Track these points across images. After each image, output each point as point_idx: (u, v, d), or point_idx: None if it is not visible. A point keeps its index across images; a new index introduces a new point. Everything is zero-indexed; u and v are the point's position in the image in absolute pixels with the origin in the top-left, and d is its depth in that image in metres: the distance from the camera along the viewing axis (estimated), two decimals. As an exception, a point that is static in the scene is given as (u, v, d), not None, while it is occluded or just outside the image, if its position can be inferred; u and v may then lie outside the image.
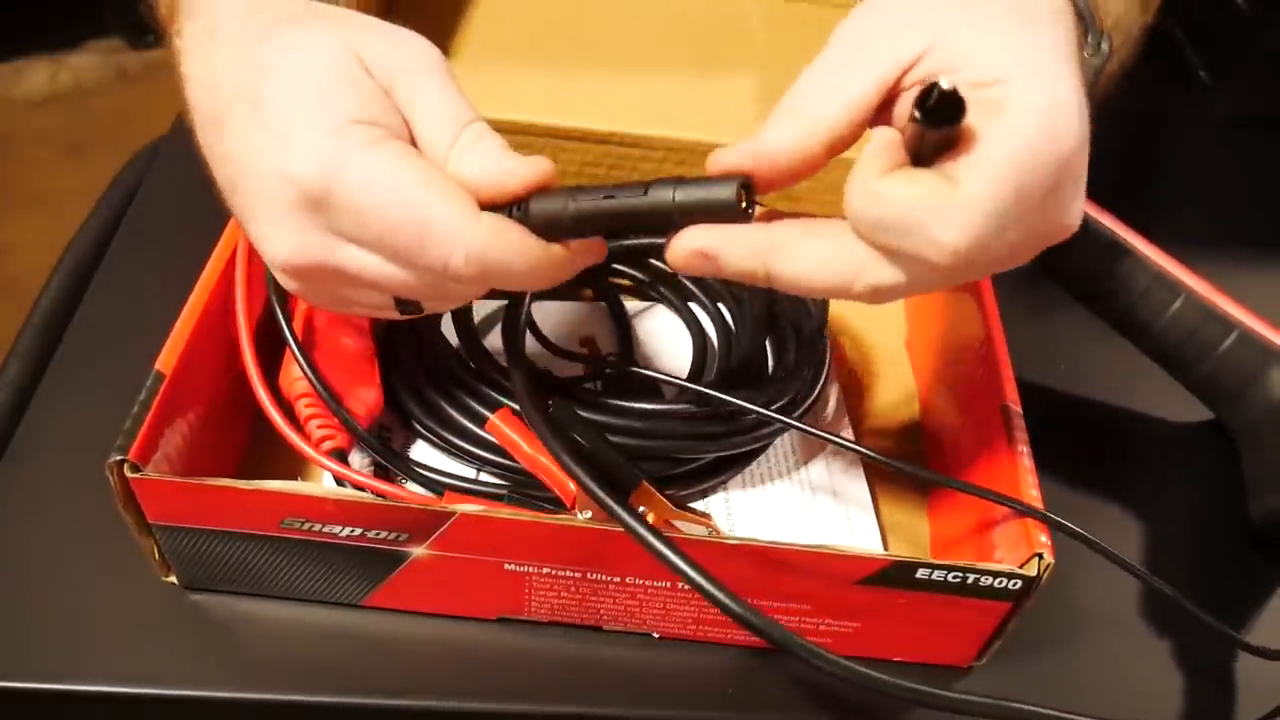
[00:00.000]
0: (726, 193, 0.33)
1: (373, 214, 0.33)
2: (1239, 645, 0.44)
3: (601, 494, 0.38)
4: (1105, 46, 0.44)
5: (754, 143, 0.34)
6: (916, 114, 0.30)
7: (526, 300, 0.49)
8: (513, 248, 0.34)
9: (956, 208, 0.31)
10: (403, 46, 0.36)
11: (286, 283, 0.37)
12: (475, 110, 0.36)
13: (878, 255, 0.33)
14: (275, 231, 0.34)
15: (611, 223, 0.35)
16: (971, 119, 0.31)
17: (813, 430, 0.46)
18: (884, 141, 0.33)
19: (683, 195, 0.34)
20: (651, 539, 0.37)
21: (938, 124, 0.30)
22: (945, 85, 0.29)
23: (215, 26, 0.36)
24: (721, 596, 0.35)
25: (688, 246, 0.34)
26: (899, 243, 0.32)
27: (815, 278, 0.34)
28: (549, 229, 0.35)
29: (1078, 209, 0.34)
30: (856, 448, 0.47)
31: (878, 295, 0.34)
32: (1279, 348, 0.51)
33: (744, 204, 0.34)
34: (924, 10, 0.34)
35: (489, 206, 0.34)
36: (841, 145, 0.34)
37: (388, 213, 0.33)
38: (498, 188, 0.34)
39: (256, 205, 0.34)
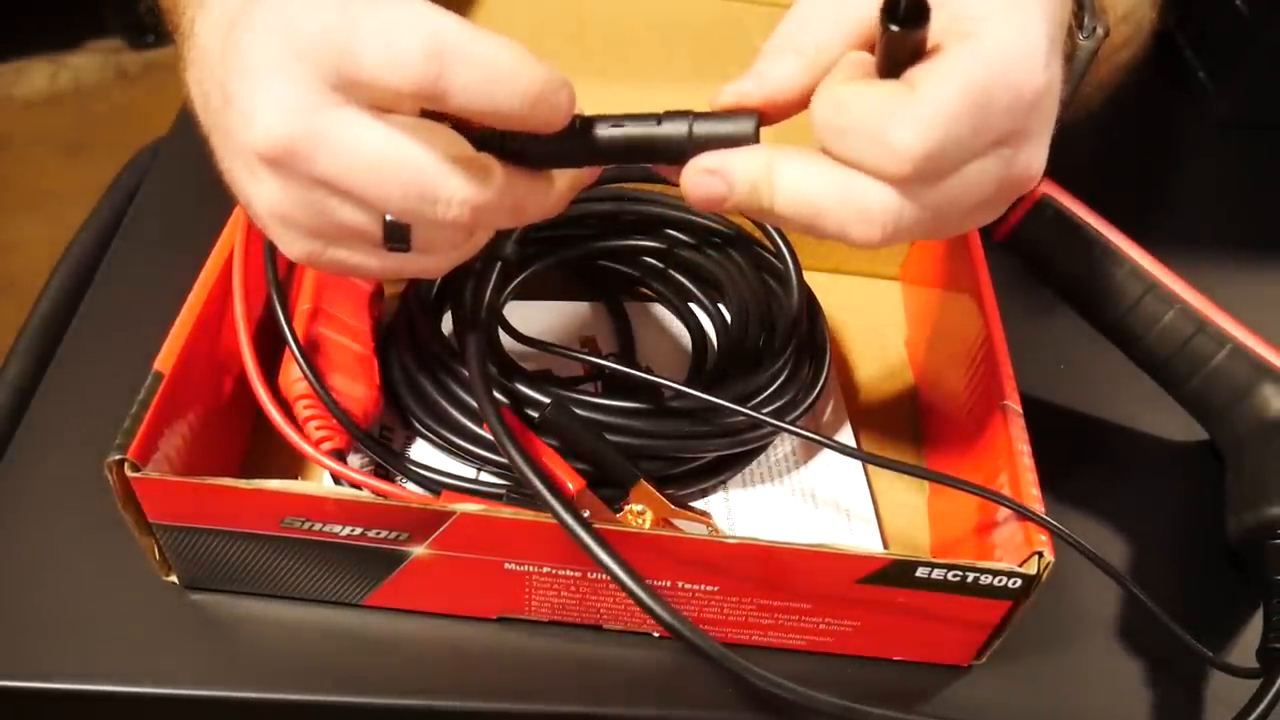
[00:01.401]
0: (746, 128, 0.34)
1: (381, 51, 0.31)
2: (1211, 663, 0.45)
3: (541, 486, 0.38)
4: (1100, 30, 0.44)
5: (759, 79, 0.34)
6: (883, 17, 0.31)
7: (490, 285, 0.49)
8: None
9: (910, 107, 0.31)
10: None
11: (264, 191, 0.34)
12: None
13: (860, 179, 0.33)
14: (258, 103, 0.32)
15: (624, 153, 0.35)
16: (943, 42, 0.32)
17: (808, 434, 0.46)
18: (855, 58, 0.34)
19: (701, 129, 0.34)
20: (575, 526, 0.37)
21: (901, 25, 0.31)
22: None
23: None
24: (636, 586, 0.36)
25: (698, 166, 0.34)
26: (858, 150, 0.32)
27: (805, 195, 0.33)
28: (554, 157, 0.35)
29: (1041, 157, 0.34)
30: (851, 451, 0.47)
31: (866, 219, 0.33)
32: (1270, 364, 0.50)
33: (757, 140, 0.34)
34: None
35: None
36: (817, 76, 0.34)
37: (397, 46, 0.31)
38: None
39: (245, 81, 0.33)
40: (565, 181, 0.36)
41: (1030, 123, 0.33)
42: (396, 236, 0.34)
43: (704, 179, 0.34)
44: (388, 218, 0.34)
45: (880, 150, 0.32)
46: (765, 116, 0.34)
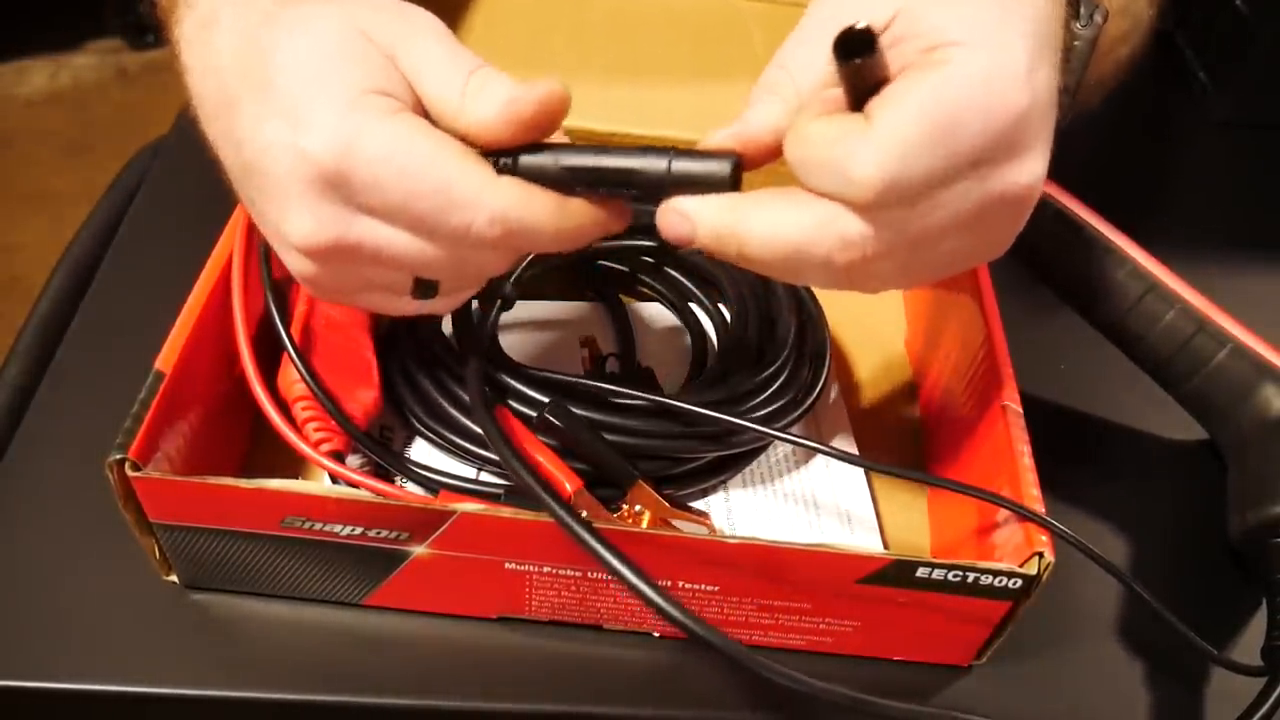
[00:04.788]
0: (723, 169, 0.34)
1: (393, 182, 0.33)
2: (1215, 661, 0.45)
3: (536, 487, 0.38)
4: (1098, 18, 0.44)
5: (742, 125, 0.35)
6: (835, 53, 0.32)
7: (497, 308, 0.51)
8: (537, 204, 0.34)
9: (865, 138, 0.32)
10: (402, 13, 0.36)
11: (303, 267, 0.36)
12: (479, 59, 0.35)
13: (838, 208, 0.33)
14: (293, 212, 0.34)
15: (602, 180, 0.35)
16: (911, 73, 0.32)
17: (804, 441, 0.46)
18: (827, 95, 0.34)
19: (679, 166, 0.35)
20: (578, 528, 0.37)
21: (850, 57, 0.32)
22: (860, 25, 0.31)
23: (215, 13, 0.36)
24: (646, 587, 0.36)
25: (670, 206, 0.35)
26: (822, 182, 0.33)
27: (783, 233, 0.34)
28: (535, 179, 0.35)
29: (1035, 170, 0.34)
30: (849, 458, 0.46)
31: (847, 245, 0.33)
32: (1271, 364, 0.50)
33: (735, 182, 0.34)
34: None
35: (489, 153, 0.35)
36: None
37: (409, 179, 0.33)
38: (511, 117, 0.34)
39: (273, 187, 0.34)
40: (581, 207, 0.36)
41: (1017, 139, 0.33)
42: (424, 291, 0.37)
43: (674, 219, 0.35)
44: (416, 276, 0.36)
45: (842, 181, 0.32)
46: (749, 160, 0.35)
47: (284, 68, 0.34)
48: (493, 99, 0.34)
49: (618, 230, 0.37)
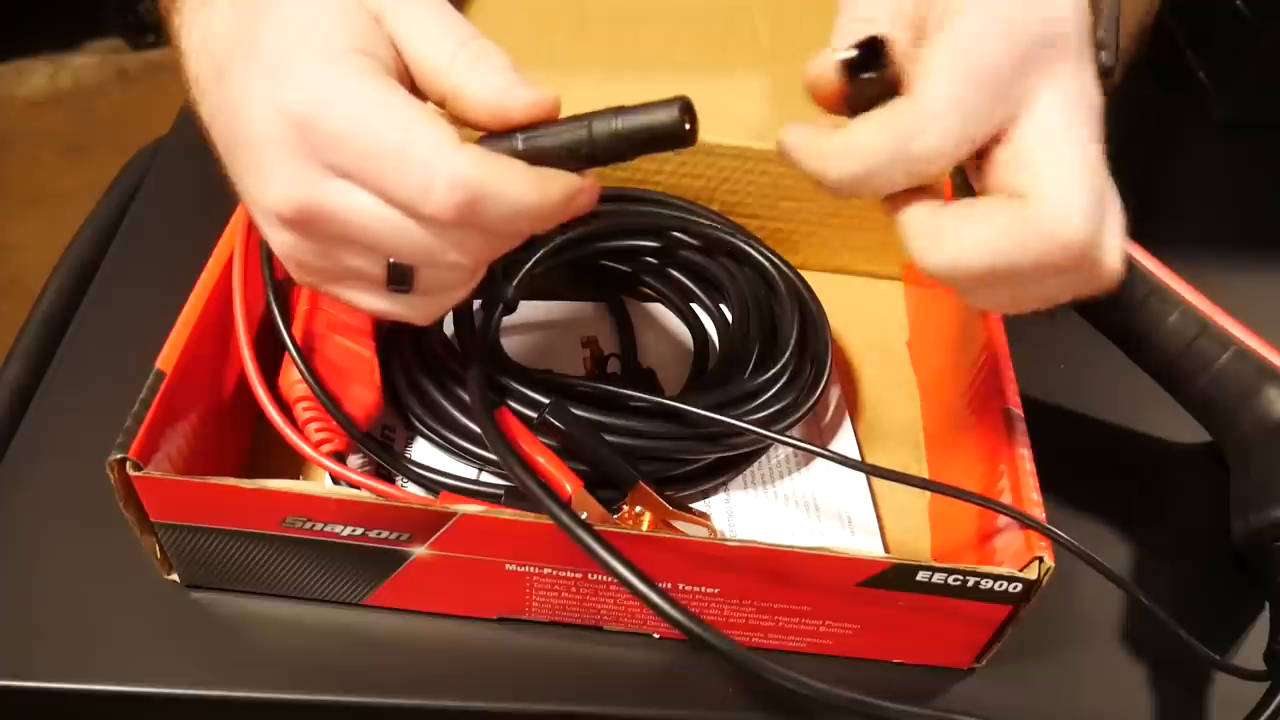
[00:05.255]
0: (670, 113, 0.33)
1: (358, 139, 0.32)
2: (1216, 666, 0.44)
3: (535, 487, 0.38)
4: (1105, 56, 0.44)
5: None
6: (848, 70, 0.33)
7: (499, 311, 0.50)
8: (499, 170, 0.33)
9: (925, 115, 0.32)
10: None
11: (282, 240, 0.36)
12: (472, 28, 0.35)
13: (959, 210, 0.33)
14: (270, 174, 0.34)
15: (561, 157, 0.34)
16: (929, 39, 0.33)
17: (807, 445, 0.45)
18: (808, 126, 0.35)
19: (623, 123, 0.33)
20: (577, 529, 0.37)
21: (861, 71, 0.33)
22: (875, 34, 0.33)
23: None
24: (646, 589, 0.36)
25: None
26: (896, 180, 0.33)
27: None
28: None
29: (1086, 71, 0.35)
30: (850, 462, 0.46)
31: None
32: (1274, 366, 0.50)
33: (687, 125, 0.33)
34: None
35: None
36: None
37: (371, 136, 0.32)
38: (498, 109, 0.34)
39: (252, 149, 0.34)
40: (547, 174, 0.34)
41: (1047, 47, 0.33)
42: (399, 278, 0.36)
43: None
44: (391, 260, 0.35)
45: (916, 166, 0.33)
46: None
47: (272, 27, 0.33)
48: (486, 80, 0.34)
49: (588, 203, 0.35)
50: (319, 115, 0.32)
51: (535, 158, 0.34)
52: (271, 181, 0.34)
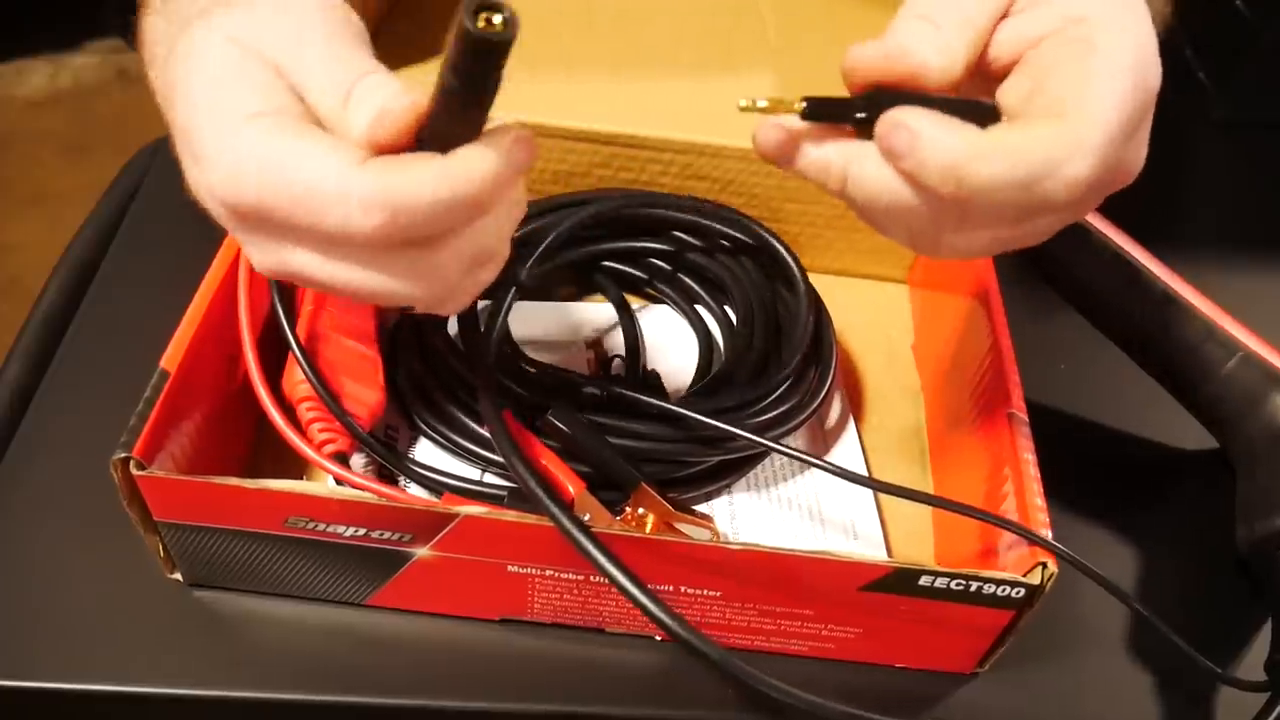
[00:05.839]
0: (467, 24, 0.28)
1: (270, 200, 0.31)
2: (1218, 678, 0.44)
3: (537, 489, 0.38)
4: None
5: (888, 42, 0.34)
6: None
7: (508, 301, 0.50)
8: (410, 171, 0.30)
9: (1083, 141, 0.32)
10: (281, 19, 0.33)
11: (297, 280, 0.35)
12: (367, 65, 0.32)
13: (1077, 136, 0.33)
14: (244, 246, 0.34)
15: (452, 119, 0.31)
16: (1064, 57, 0.33)
17: (804, 456, 0.46)
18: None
19: (449, 53, 0.30)
20: (576, 531, 0.37)
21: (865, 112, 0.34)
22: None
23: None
24: (638, 592, 0.36)
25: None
26: (1031, 190, 0.32)
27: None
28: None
29: (1144, 148, 0.35)
30: (851, 475, 0.46)
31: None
32: None
33: (482, 23, 0.28)
34: None
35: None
36: (974, 54, 0.35)
37: (279, 191, 0.30)
38: (372, 141, 0.31)
39: (219, 221, 0.34)
40: (463, 154, 0.31)
41: (1148, 114, 0.34)
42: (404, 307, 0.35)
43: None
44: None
45: (1057, 186, 0.33)
46: (887, 76, 0.34)
47: (181, 102, 0.33)
48: (366, 112, 0.31)
49: (524, 163, 0.32)
50: (238, 195, 0.31)
51: (442, 140, 0.31)
52: (247, 253, 0.34)
